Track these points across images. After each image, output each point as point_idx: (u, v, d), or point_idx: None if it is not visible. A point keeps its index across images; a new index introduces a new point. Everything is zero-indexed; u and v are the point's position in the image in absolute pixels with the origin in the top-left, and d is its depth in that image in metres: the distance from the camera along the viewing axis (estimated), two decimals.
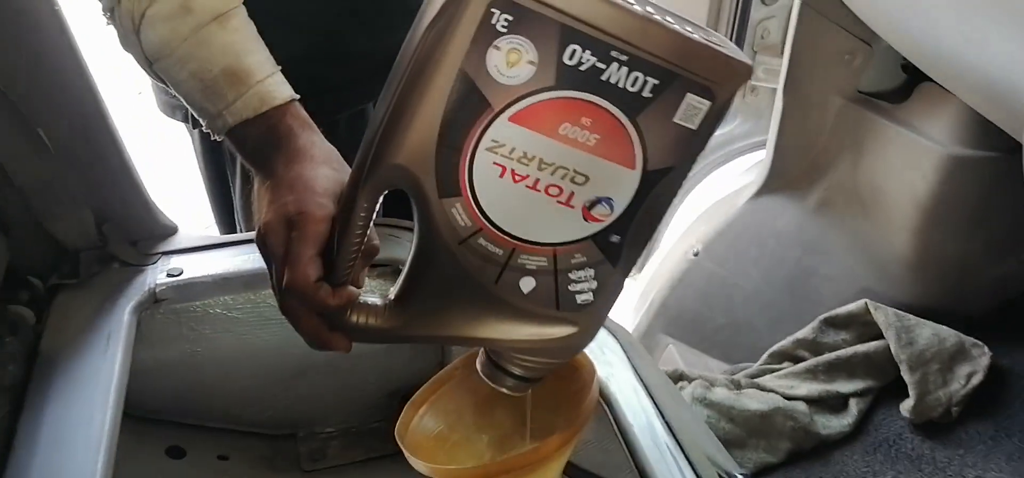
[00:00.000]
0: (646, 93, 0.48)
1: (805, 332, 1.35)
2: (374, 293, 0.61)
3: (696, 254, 1.52)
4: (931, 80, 1.23)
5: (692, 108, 0.49)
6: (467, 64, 0.46)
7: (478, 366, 0.69)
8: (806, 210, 1.46)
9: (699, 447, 0.71)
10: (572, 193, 0.53)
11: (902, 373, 1.22)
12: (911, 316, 1.28)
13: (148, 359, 0.96)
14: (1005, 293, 1.36)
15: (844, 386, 1.27)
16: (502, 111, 0.48)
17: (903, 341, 1.23)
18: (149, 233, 0.97)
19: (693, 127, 0.50)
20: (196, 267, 0.94)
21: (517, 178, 0.52)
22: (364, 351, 1.12)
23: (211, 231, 1.07)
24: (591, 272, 0.57)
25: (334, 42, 0.90)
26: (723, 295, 1.48)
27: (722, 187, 1.63)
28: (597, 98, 0.48)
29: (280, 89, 0.63)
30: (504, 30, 0.46)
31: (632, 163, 0.52)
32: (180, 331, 0.97)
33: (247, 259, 0.96)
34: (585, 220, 0.54)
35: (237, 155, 0.97)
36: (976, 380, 1.21)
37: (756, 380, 1.30)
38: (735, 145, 1.82)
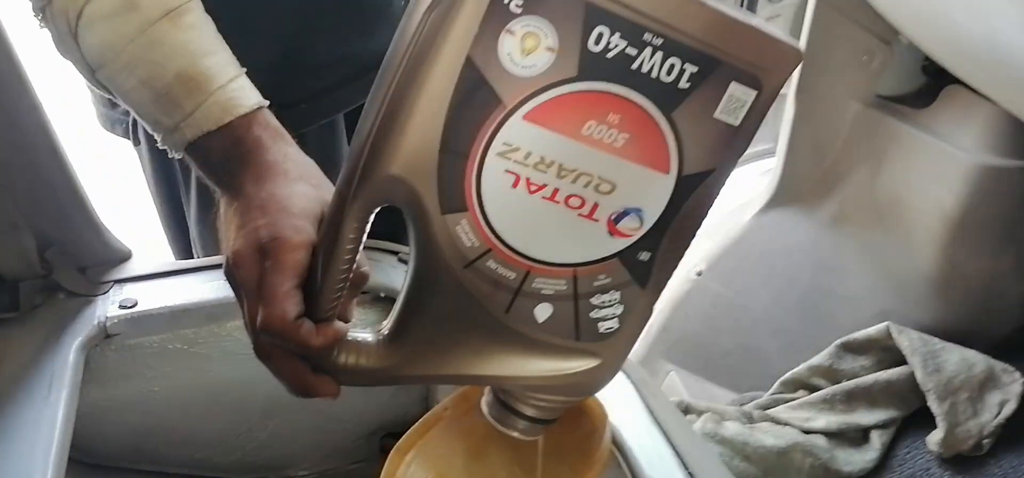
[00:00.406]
0: (683, 83, 0.44)
1: (820, 358, 1.31)
2: (363, 328, 0.56)
3: (699, 273, 1.49)
4: (958, 82, 1.21)
5: (736, 100, 0.45)
6: (475, 52, 0.42)
7: (483, 406, 0.65)
8: (820, 225, 1.43)
9: None
10: (596, 204, 0.48)
11: (929, 403, 1.19)
12: (937, 340, 1.25)
13: (99, 400, 0.92)
14: None
15: (865, 417, 1.24)
16: (516, 108, 0.44)
17: (929, 368, 1.20)
18: (99, 259, 0.92)
19: (736, 123, 0.46)
20: (152, 297, 0.89)
21: (533, 188, 0.47)
22: (342, 389, 1.08)
23: (168, 256, 1.02)
24: (617, 295, 0.53)
25: (301, 50, 0.85)
26: (730, 318, 1.45)
27: (728, 199, 1.60)
28: (627, 91, 0.44)
29: (245, 95, 0.58)
30: (519, 10, 0.41)
31: (666, 166, 0.48)
32: (135, 369, 0.92)
33: (209, 288, 0.92)
34: (610, 235, 0.50)
35: (192, 173, 0.93)
36: (1009, 409, 1.18)
37: (769, 412, 1.27)
38: (755, 153, 1.80)
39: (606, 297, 0.53)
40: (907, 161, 1.30)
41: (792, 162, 1.41)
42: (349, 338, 0.55)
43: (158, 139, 0.60)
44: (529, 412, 0.60)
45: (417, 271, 0.51)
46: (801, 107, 1.37)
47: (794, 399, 1.31)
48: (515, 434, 0.62)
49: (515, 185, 0.47)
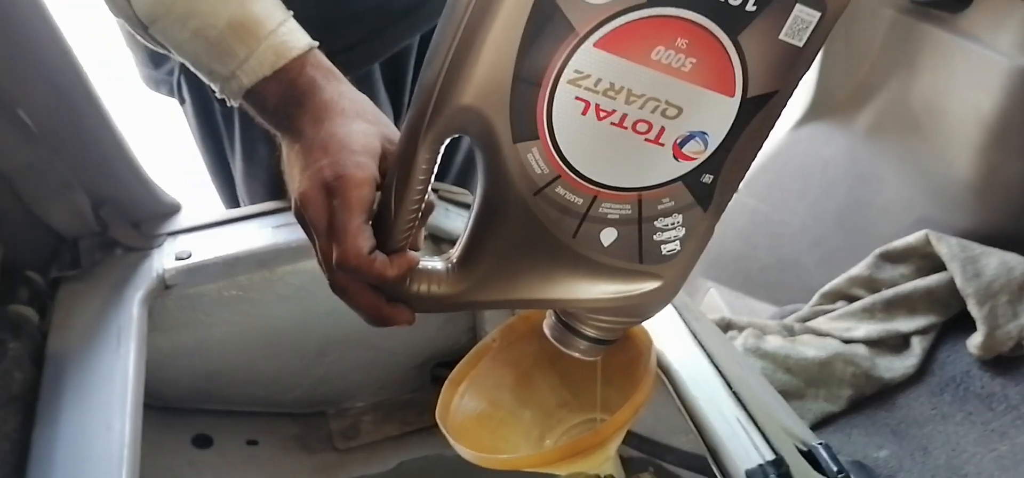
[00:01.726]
0: (750, 6, 0.44)
1: (859, 268, 1.31)
2: (432, 257, 0.57)
3: (737, 191, 1.48)
4: None
5: (801, 21, 0.45)
6: None
7: (545, 329, 0.66)
8: (855, 136, 1.41)
9: (774, 419, 0.68)
10: (663, 128, 0.49)
11: (969, 307, 1.19)
12: (976, 245, 1.23)
13: (164, 347, 0.95)
14: None
15: (905, 324, 1.24)
16: (588, 35, 0.44)
17: (969, 273, 1.20)
18: (151, 213, 0.94)
19: (800, 44, 0.46)
20: (205, 248, 0.91)
21: (602, 114, 0.48)
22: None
23: (212, 207, 1.04)
24: (679, 218, 0.54)
25: (337, 2, 0.85)
26: (768, 233, 1.45)
27: None
28: (695, 15, 0.44)
29: (296, 37, 0.59)
30: None
31: (731, 90, 0.48)
32: (194, 317, 0.95)
33: (258, 235, 0.94)
34: (676, 159, 0.51)
35: (235, 127, 0.94)
36: None
37: (809, 324, 1.27)
38: None
39: (669, 220, 0.54)
40: (943, 67, 1.27)
41: (826, 75, 1.39)
42: (420, 267, 0.56)
43: (216, 89, 0.60)
44: (591, 333, 0.61)
45: (486, 198, 0.52)
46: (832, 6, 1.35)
47: (834, 310, 1.31)
48: (577, 354, 0.63)
49: (585, 112, 0.48)
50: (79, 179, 0.88)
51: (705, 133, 0.50)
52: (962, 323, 1.22)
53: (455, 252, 0.56)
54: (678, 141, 0.50)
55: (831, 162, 1.42)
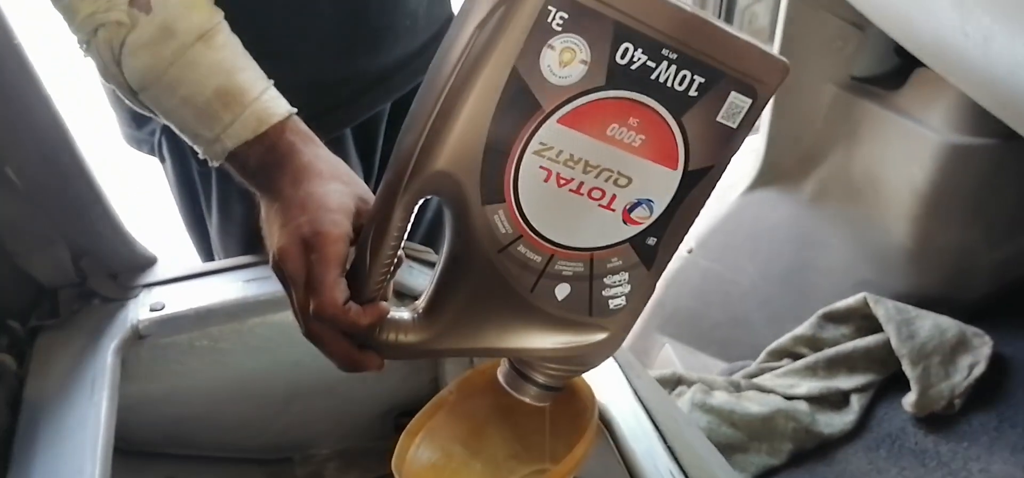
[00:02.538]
0: (692, 92, 0.50)
1: (804, 328, 1.37)
2: (399, 308, 0.61)
3: (690, 251, 1.53)
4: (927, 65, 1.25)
5: (734, 106, 0.51)
6: (520, 63, 0.47)
7: (499, 376, 0.70)
8: (801, 202, 1.48)
9: (706, 471, 0.72)
10: (614, 196, 0.54)
11: (903, 367, 1.24)
12: (911, 308, 1.29)
13: (136, 394, 0.97)
14: (1005, 280, 1.38)
15: (845, 382, 1.29)
16: (553, 112, 0.49)
17: (904, 335, 1.25)
18: (128, 265, 0.97)
19: (734, 125, 0.52)
20: (178, 300, 0.94)
21: (562, 182, 0.53)
22: (356, 374, 1.14)
23: (186, 259, 1.07)
24: (625, 276, 0.59)
25: (313, 70, 0.89)
26: (719, 292, 1.50)
27: (726, 182, 1.64)
28: (646, 98, 0.50)
29: (277, 104, 0.62)
30: (559, 28, 0.46)
31: (675, 164, 0.54)
32: (166, 366, 0.97)
33: (230, 288, 0.96)
34: (624, 223, 0.56)
35: (213, 186, 0.98)
36: (978, 371, 1.24)
37: (756, 380, 1.32)
38: None
39: (617, 277, 0.58)
40: (881, 140, 1.34)
41: (774, 144, 1.45)
42: (389, 317, 0.59)
43: (200, 151, 0.64)
44: (541, 380, 0.65)
45: (453, 254, 0.56)
46: (781, 91, 1.40)
47: (780, 366, 1.36)
48: (527, 399, 0.67)
49: (547, 179, 0.52)
50: (61, 232, 0.91)
51: (651, 201, 0.55)
52: (899, 382, 1.28)
53: (421, 303, 0.60)
54: (627, 207, 0.55)
55: (779, 226, 1.48)
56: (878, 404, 1.29)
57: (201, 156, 0.64)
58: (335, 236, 0.56)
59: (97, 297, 0.94)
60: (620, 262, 0.58)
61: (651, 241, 0.57)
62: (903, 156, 1.30)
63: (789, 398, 1.27)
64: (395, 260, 0.56)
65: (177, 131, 0.64)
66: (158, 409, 1.01)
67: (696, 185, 0.55)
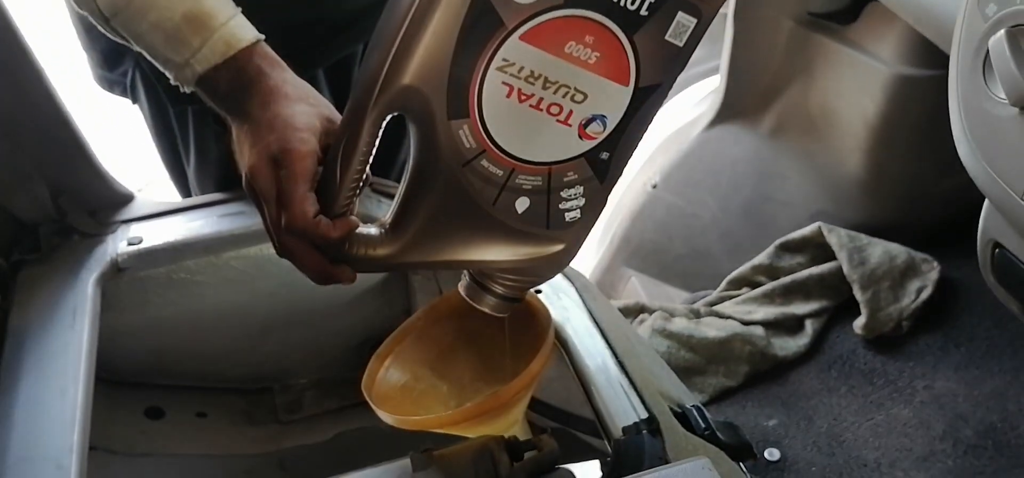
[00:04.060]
0: (643, 11, 0.53)
1: (762, 258, 1.40)
2: (367, 224, 0.63)
3: (654, 186, 1.56)
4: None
5: (681, 25, 0.54)
6: None
7: (460, 289, 0.72)
8: (760, 137, 1.50)
9: (652, 385, 0.75)
10: (571, 111, 0.57)
11: (854, 292, 1.28)
12: (863, 236, 1.33)
13: (117, 326, 0.99)
14: (955, 208, 1.42)
15: (800, 308, 1.33)
16: (515, 29, 0.52)
17: (855, 261, 1.29)
18: (106, 202, 0.98)
19: (680, 44, 0.55)
20: (155, 234, 0.96)
21: (523, 98, 0.55)
22: (331, 306, 1.17)
23: (161, 198, 1.09)
24: (581, 189, 0.61)
25: (279, 14, 0.90)
26: (682, 225, 1.53)
27: (679, 117, 1.66)
28: (601, 16, 0.53)
29: (244, 30, 0.64)
30: None
31: (627, 80, 0.57)
32: (146, 298, 0.99)
33: (205, 223, 0.98)
34: (580, 138, 0.59)
35: (189, 125, 0.99)
36: (925, 294, 1.28)
37: (715, 307, 1.36)
38: (692, 70, 1.85)
39: (573, 191, 0.61)
40: (835, 74, 1.36)
41: (734, 81, 1.47)
42: (357, 232, 0.62)
43: (171, 77, 0.65)
44: (501, 291, 0.68)
45: (418, 170, 0.59)
46: (739, 28, 1.43)
47: (739, 295, 1.40)
48: (487, 310, 0.70)
49: (508, 95, 0.55)
50: (39, 170, 0.92)
51: (605, 116, 0.58)
52: (851, 307, 1.32)
53: (388, 217, 0.62)
54: (583, 122, 0.58)
55: (739, 161, 1.50)
56: (831, 328, 1.33)
57: (172, 82, 0.66)
58: (303, 153, 0.58)
59: (76, 233, 0.95)
60: (576, 176, 0.60)
61: (604, 155, 0.60)
62: (856, 89, 1.33)
63: (746, 323, 1.30)
64: (363, 177, 0.59)
65: (148, 57, 0.65)
66: (140, 340, 1.03)
67: (645, 101, 0.58)
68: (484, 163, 0.57)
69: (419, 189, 0.59)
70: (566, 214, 0.62)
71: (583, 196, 0.61)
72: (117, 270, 0.93)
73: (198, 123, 0.97)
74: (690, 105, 1.69)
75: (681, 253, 1.52)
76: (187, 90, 0.66)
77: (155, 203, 1.01)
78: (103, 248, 0.94)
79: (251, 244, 0.99)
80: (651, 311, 1.33)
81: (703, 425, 0.73)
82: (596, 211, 0.64)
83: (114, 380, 1.05)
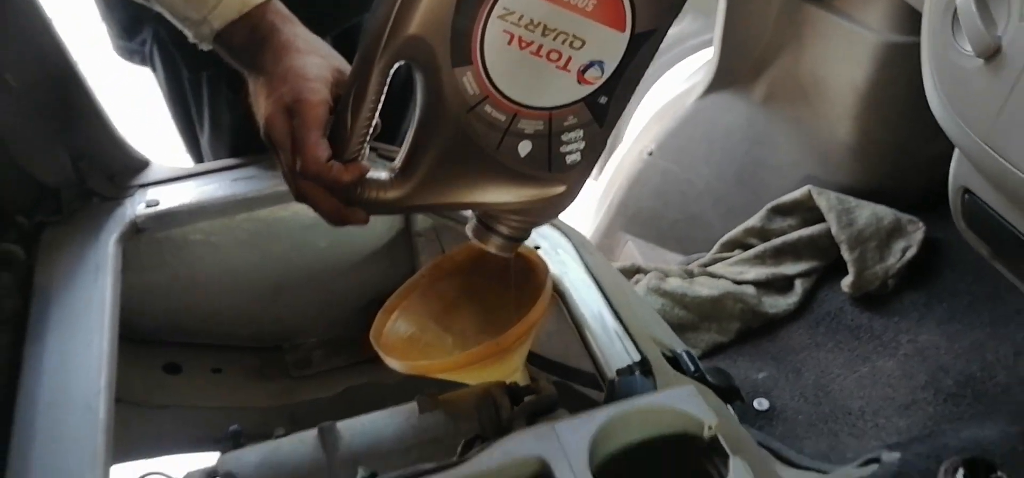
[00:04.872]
0: None
1: (754, 221, 1.42)
2: (378, 169, 0.65)
3: (651, 154, 1.58)
4: None
5: None
6: None
7: (467, 230, 0.74)
8: (752, 105, 1.52)
9: (645, 331, 0.78)
10: (570, 58, 0.59)
11: (842, 252, 1.31)
12: (851, 198, 1.35)
13: (136, 285, 1.01)
14: (939, 172, 1.44)
15: (790, 268, 1.36)
16: None
17: (843, 222, 1.32)
18: (123, 167, 1.01)
19: None
20: (172, 197, 0.98)
21: (523, 45, 0.57)
22: (339, 267, 1.19)
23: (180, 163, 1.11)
24: (580, 133, 0.63)
25: None
26: (677, 191, 1.55)
27: (674, 87, 1.68)
28: None
29: None
30: None
31: (623, 26, 0.59)
32: (163, 258, 1.02)
33: (218, 187, 1.01)
34: (579, 83, 0.61)
35: (203, 92, 1.01)
36: (911, 253, 1.30)
37: (708, 268, 1.38)
38: (687, 43, 1.87)
39: (573, 134, 0.63)
40: (823, 43, 1.38)
41: (727, 50, 1.49)
42: (368, 177, 0.64)
43: (190, 34, 0.68)
44: (506, 231, 0.69)
45: (424, 116, 0.61)
46: (734, 1, 1.45)
47: (732, 257, 1.42)
48: (493, 250, 0.72)
49: (509, 43, 0.57)
50: (60, 136, 0.95)
51: (602, 62, 0.60)
52: (839, 267, 1.35)
53: (397, 163, 0.64)
54: (581, 68, 0.60)
55: (732, 128, 1.53)
56: (820, 287, 1.36)
57: (191, 40, 0.68)
58: (314, 102, 0.61)
59: (96, 196, 0.98)
60: (576, 120, 0.62)
61: (602, 100, 0.62)
62: (844, 57, 1.35)
63: (738, 283, 1.33)
64: (372, 125, 0.61)
65: (168, 15, 0.68)
66: (158, 300, 1.06)
67: (641, 47, 0.60)
68: (487, 109, 0.59)
69: (426, 134, 0.61)
70: (567, 157, 0.64)
71: (583, 139, 0.63)
72: (136, 231, 0.96)
73: (212, 91, 1.00)
74: (685, 76, 1.71)
75: (676, 218, 1.54)
76: (205, 47, 0.68)
77: (170, 169, 1.03)
78: (122, 210, 0.96)
79: (263, 206, 1.02)
80: (647, 272, 1.36)
81: (693, 368, 0.76)
82: (596, 154, 0.66)
83: (133, 338, 1.08)
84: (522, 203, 0.66)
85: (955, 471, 0.88)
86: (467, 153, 0.62)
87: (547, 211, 0.68)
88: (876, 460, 0.94)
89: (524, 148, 0.63)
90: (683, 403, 0.56)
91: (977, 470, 0.87)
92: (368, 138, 0.63)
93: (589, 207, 1.68)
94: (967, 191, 0.84)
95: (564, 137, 0.63)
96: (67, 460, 0.66)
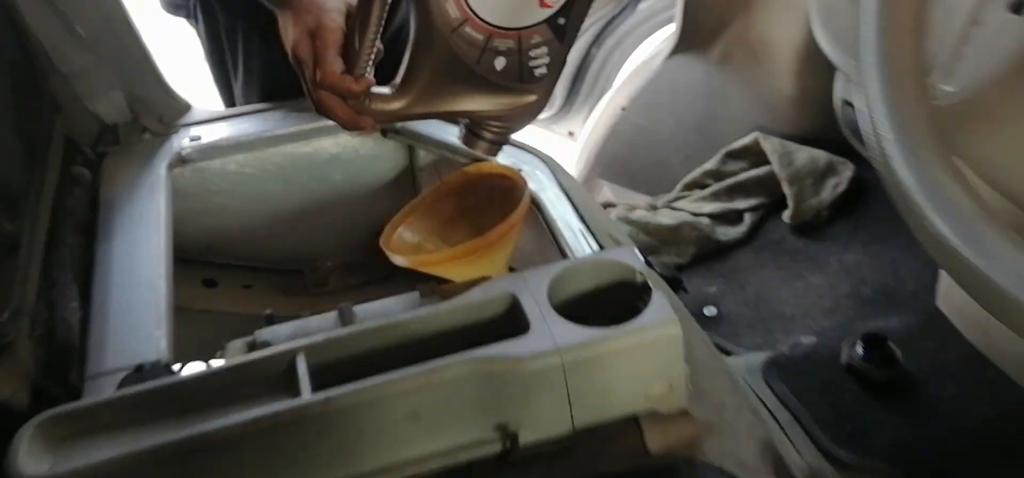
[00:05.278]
0: None
1: (710, 164, 1.51)
2: (382, 86, 0.73)
3: (624, 109, 1.65)
4: None
5: None
6: None
7: (458, 139, 0.81)
8: (709, 65, 1.59)
9: (604, 230, 0.87)
10: None
11: (784, 189, 1.40)
12: (792, 143, 1.44)
13: (180, 210, 1.07)
14: None
15: (740, 203, 1.44)
16: None
17: (784, 163, 1.40)
18: (170, 109, 1.09)
19: None
20: (211, 134, 1.06)
21: None
22: (352, 198, 1.27)
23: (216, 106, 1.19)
24: (545, 50, 0.71)
25: None
26: (646, 141, 1.63)
27: (644, 52, 1.76)
28: None
29: None
30: None
31: None
32: (204, 184, 1.10)
33: (250, 126, 1.09)
34: (541, 7, 0.68)
35: (239, 45, 1.10)
36: (841, 188, 1.38)
37: (671, 203, 1.47)
38: (659, 17, 1.95)
39: (539, 51, 0.70)
40: (769, 10, 1.46)
41: (688, 21, 1.55)
42: (374, 91, 0.72)
43: None
44: (490, 136, 0.77)
45: (417, 38, 0.69)
46: None
47: (691, 195, 1.51)
48: (480, 152, 0.79)
49: None
50: (118, 81, 1.03)
51: None
52: (781, 203, 1.43)
53: (397, 80, 0.72)
54: None
55: (692, 86, 1.60)
56: (766, 220, 1.44)
57: None
58: (332, 27, 0.69)
59: (148, 132, 1.06)
60: (540, 39, 0.70)
61: (561, 21, 0.69)
62: (785, 22, 1.42)
63: (695, 215, 1.42)
64: (375, 47, 0.69)
65: None
66: (199, 223, 1.14)
67: None
68: (467, 30, 0.67)
69: (419, 53, 0.69)
70: (535, 70, 0.71)
71: (547, 55, 0.71)
72: (182, 161, 1.04)
73: (245, 42, 1.08)
74: (653, 45, 1.79)
75: (645, 163, 1.62)
76: None
77: (209, 111, 1.12)
78: (169, 143, 1.05)
79: (288, 143, 1.10)
80: (615, 206, 1.45)
81: (643, 258, 0.85)
82: (558, 67, 0.73)
83: (178, 257, 1.17)
84: (501, 110, 0.73)
85: (854, 344, 0.97)
86: (453, 68, 0.69)
87: (522, 117, 0.75)
88: (798, 344, 1.04)
89: (500, 63, 0.70)
90: (622, 257, 0.65)
91: (872, 343, 0.97)
92: (373, 58, 0.71)
93: (571, 156, 1.77)
94: (847, 102, 0.92)
95: (532, 53, 0.70)
96: (139, 321, 0.75)
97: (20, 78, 0.91)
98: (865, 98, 0.56)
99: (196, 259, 1.20)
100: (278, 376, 0.57)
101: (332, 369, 0.58)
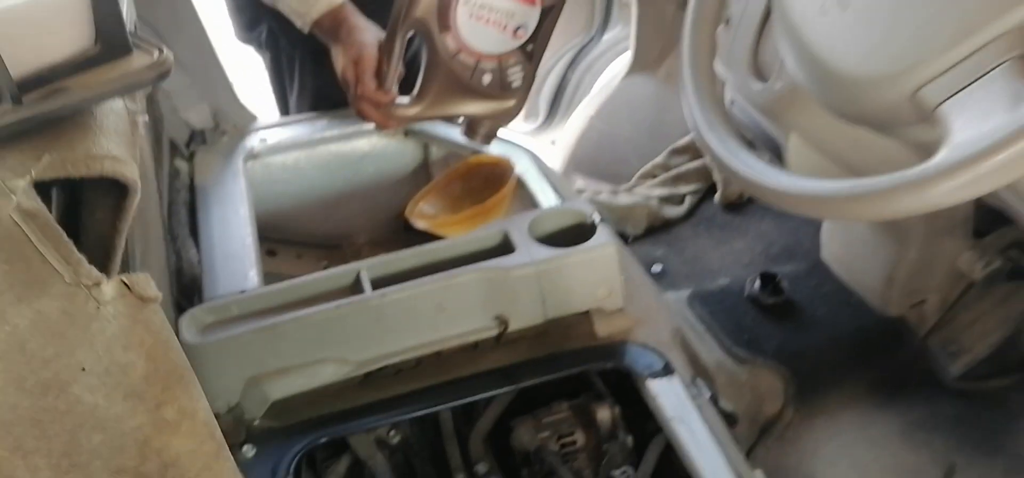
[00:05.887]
0: None
1: (659, 159, 1.65)
2: (403, 97, 0.89)
3: (593, 118, 1.80)
4: None
5: None
6: None
7: (462, 134, 0.95)
8: (658, 82, 1.75)
9: (570, 196, 1.05)
10: (506, 24, 0.82)
11: (714, 177, 1.57)
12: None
13: (252, 196, 1.26)
14: None
15: (683, 188, 1.60)
16: None
17: None
18: (241, 118, 1.26)
19: None
20: (274, 137, 1.24)
21: (479, 18, 0.81)
22: (380, 186, 1.43)
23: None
24: (519, 68, 0.86)
25: None
26: (610, 144, 1.77)
27: (610, 73, 1.92)
28: None
29: None
30: None
31: (536, 4, 0.82)
32: (269, 176, 1.26)
33: (303, 131, 1.25)
34: (514, 37, 0.83)
35: (296, 74, 1.26)
36: None
37: (628, 189, 1.64)
38: (619, 46, 2.11)
39: (515, 68, 0.85)
40: None
41: (640, 47, 1.71)
42: (397, 100, 0.88)
43: (297, 22, 0.93)
44: (483, 131, 0.91)
45: (428, 63, 0.84)
46: (641, 10, 1.70)
47: (645, 184, 1.68)
48: (478, 143, 0.93)
49: (470, 17, 0.80)
50: (204, 97, 1.20)
51: (527, 26, 0.83)
52: (714, 188, 1.60)
53: (414, 93, 0.88)
54: (514, 29, 0.83)
55: (645, 99, 1.75)
56: (703, 201, 1.60)
57: (297, 25, 0.94)
58: (369, 56, 0.86)
59: (227, 135, 1.23)
60: (515, 60, 0.85)
61: (529, 47, 0.85)
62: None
63: (647, 198, 1.59)
64: (398, 70, 0.85)
65: (284, 10, 0.92)
66: (263, 206, 1.28)
67: (549, 14, 0.83)
68: (462, 57, 0.83)
69: (429, 74, 0.85)
70: (512, 83, 0.87)
71: (521, 72, 0.86)
72: (253, 156, 1.21)
73: (301, 66, 1.25)
74: (615, 68, 1.96)
75: (609, 160, 1.75)
76: (305, 30, 0.94)
77: (271, 119, 1.29)
78: (244, 143, 1.22)
79: (332, 143, 1.26)
80: (584, 191, 1.61)
81: (600, 217, 1.02)
82: (530, 80, 0.88)
83: None
84: (489, 112, 0.89)
85: (754, 281, 1.16)
86: (454, 83, 0.84)
87: (505, 117, 0.90)
88: (715, 283, 1.22)
89: (486, 79, 0.85)
90: (579, 206, 0.83)
91: (766, 279, 1.15)
92: (397, 77, 0.87)
93: (553, 156, 1.93)
94: (732, 102, 1.07)
95: (509, 71, 0.85)
96: (238, 266, 0.92)
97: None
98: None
99: (261, 236, 1.36)
100: (349, 284, 0.74)
101: (383, 281, 0.75)
